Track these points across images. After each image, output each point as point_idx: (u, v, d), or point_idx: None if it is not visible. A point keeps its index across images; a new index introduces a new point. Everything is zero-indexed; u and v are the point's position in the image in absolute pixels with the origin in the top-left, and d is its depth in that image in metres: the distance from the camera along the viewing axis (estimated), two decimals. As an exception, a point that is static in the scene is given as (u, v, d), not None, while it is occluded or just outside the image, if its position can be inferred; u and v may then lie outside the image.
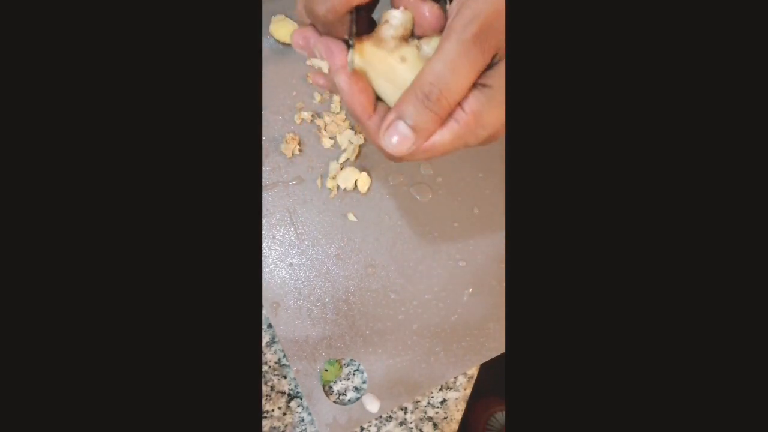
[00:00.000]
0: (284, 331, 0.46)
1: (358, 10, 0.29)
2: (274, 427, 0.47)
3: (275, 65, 0.49)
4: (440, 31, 0.29)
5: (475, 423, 0.86)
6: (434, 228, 0.49)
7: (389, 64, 0.29)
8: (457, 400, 0.48)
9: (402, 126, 0.28)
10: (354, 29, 0.29)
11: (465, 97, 0.28)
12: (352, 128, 0.49)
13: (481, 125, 0.28)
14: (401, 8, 0.29)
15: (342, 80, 0.29)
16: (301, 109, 0.49)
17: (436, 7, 0.29)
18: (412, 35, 0.29)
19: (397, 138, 0.28)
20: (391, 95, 0.29)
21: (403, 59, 0.29)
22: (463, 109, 0.28)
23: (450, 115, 0.28)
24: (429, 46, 0.29)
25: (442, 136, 0.28)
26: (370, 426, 0.47)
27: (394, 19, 0.29)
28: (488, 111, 0.28)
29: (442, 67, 0.26)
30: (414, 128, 0.28)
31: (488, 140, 0.30)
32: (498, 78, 0.27)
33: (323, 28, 0.30)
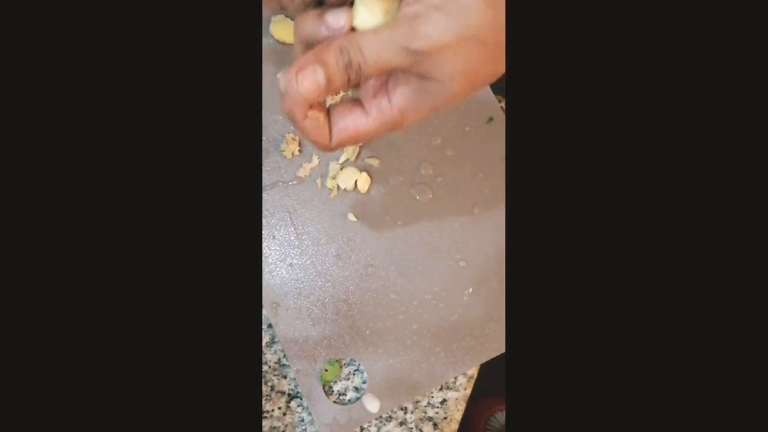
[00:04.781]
0: (284, 331, 0.46)
1: None
2: (274, 427, 0.47)
3: (275, 65, 0.49)
4: None
5: (475, 423, 0.86)
6: (434, 228, 0.49)
7: None
8: (457, 400, 0.48)
9: (320, 73, 0.27)
10: None
11: (394, 86, 0.28)
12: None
13: (407, 119, 0.28)
14: None
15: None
16: (301, 109, 0.49)
17: None
18: None
19: (310, 82, 0.27)
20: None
21: None
22: (389, 101, 0.28)
23: (375, 100, 0.28)
24: None
25: (368, 125, 0.28)
26: (370, 426, 0.47)
27: None
28: (415, 107, 0.28)
29: (377, 46, 0.26)
30: (328, 80, 0.27)
31: (416, 122, 0.29)
32: (437, 69, 0.26)
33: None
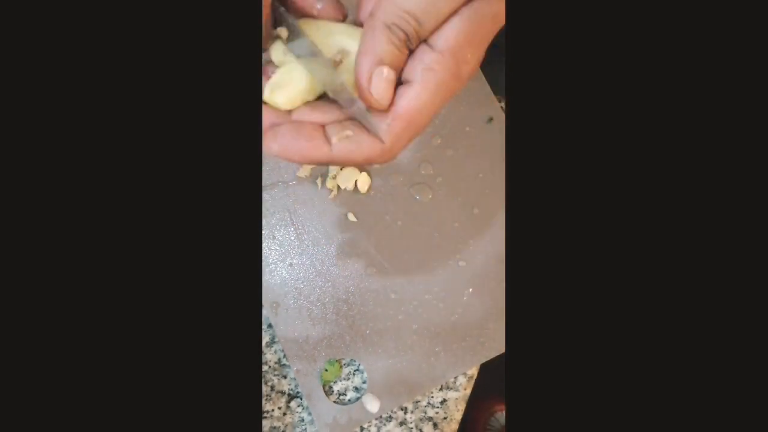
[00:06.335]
0: (284, 331, 0.46)
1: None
2: (274, 427, 0.47)
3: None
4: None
5: (475, 423, 0.86)
6: (434, 228, 0.49)
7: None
8: (457, 400, 0.48)
9: (387, 73, 0.22)
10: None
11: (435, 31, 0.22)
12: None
13: (464, 59, 0.22)
14: None
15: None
16: (301, 109, 0.49)
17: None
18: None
19: (383, 88, 0.23)
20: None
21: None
22: (433, 49, 0.22)
23: (413, 62, 0.23)
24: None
25: (421, 99, 0.22)
26: (370, 426, 0.47)
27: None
28: (471, 39, 0.22)
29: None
30: (394, 67, 0.22)
31: (472, 73, 0.23)
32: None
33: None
